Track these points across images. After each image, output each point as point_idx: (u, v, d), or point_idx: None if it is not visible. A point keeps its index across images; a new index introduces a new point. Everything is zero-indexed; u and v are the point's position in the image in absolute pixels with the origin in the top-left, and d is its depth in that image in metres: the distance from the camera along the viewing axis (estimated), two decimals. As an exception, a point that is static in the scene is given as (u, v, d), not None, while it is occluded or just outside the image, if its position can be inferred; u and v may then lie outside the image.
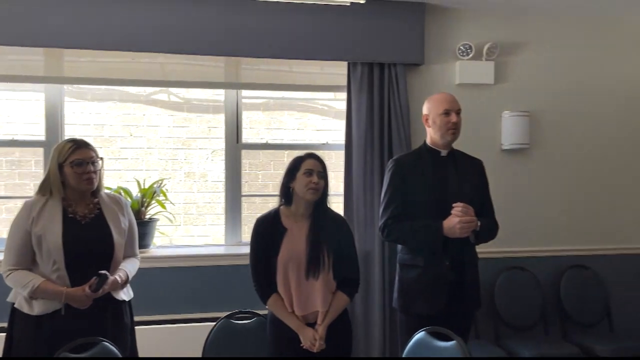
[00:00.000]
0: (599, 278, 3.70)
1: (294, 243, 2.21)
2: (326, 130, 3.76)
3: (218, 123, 3.61)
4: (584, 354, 3.29)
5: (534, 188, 3.73)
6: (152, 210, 3.41)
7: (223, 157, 3.58)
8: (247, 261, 2.32)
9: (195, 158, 3.62)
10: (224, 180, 3.59)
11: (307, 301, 2.21)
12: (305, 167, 2.22)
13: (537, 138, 3.71)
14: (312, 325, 2.23)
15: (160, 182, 3.43)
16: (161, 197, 3.41)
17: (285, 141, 3.68)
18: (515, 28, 3.69)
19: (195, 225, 3.64)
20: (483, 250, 2.82)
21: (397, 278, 2.58)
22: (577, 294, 3.64)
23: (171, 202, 3.50)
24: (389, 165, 2.59)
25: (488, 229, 2.51)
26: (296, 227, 2.24)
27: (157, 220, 3.43)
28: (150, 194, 3.35)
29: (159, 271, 3.29)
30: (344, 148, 3.45)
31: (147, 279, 3.14)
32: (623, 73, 3.84)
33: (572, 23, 3.76)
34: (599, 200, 3.81)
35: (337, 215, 2.35)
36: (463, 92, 3.53)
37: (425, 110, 2.56)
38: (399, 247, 2.60)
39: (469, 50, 3.54)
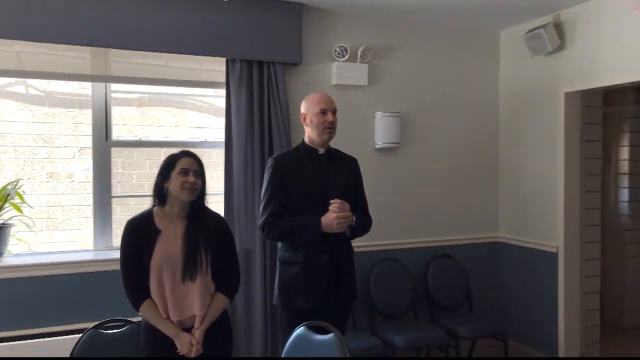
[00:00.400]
0: (460, 265, 4.06)
1: (169, 245, 2.12)
2: (206, 127, 3.66)
3: (85, 119, 3.34)
4: (449, 335, 3.59)
5: (404, 184, 3.99)
6: (6, 215, 3.06)
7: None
8: (118, 266, 2.19)
9: (60, 157, 3.32)
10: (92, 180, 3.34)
11: (183, 305, 2.13)
12: (181, 166, 2.13)
13: (406, 137, 3.96)
14: (189, 330, 2.16)
15: (15, 183, 3.09)
16: (17, 200, 3.08)
17: (161, 138, 3.52)
18: (386, 33, 3.90)
19: (60, 230, 3.34)
20: (359, 244, 2.95)
21: (277, 275, 2.60)
22: (443, 281, 3.96)
23: (29, 206, 3.17)
24: (269, 163, 2.60)
25: (363, 223, 2.62)
26: (171, 228, 2.15)
27: (12, 225, 3.09)
28: (3, 196, 3.00)
29: (16, 281, 2.98)
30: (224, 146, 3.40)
31: (0, 291, 2.84)
32: (478, 79, 4.24)
33: (435, 31, 4.07)
34: (459, 194, 4.18)
35: (215, 214, 2.30)
36: (339, 92, 3.66)
37: (302, 109, 2.61)
38: (279, 244, 2.63)
39: (344, 52, 3.68)
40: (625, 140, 4.94)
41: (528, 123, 4.04)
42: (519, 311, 4.13)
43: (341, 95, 3.65)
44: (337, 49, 3.67)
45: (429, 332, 3.55)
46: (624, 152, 4.95)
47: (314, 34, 3.67)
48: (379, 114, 3.84)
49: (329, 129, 2.54)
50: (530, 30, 3.74)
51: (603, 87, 3.54)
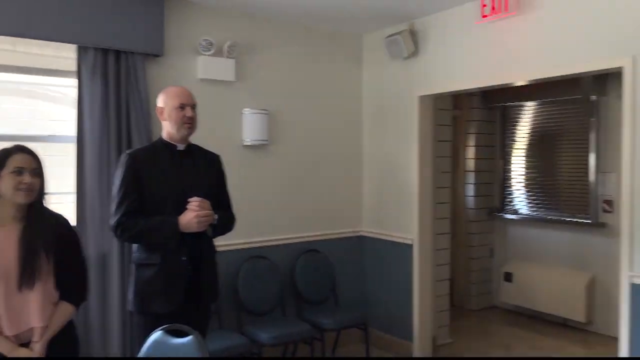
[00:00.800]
0: (326, 259, 4.19)
1: (0, 251, 1.89)
2: (61, 120, 3.33)
3: None
4: (314, 329, 3.68)
5: (273, 181, 4.01)
6: None
7: None
8: (-64, 277, 1.90)
9: None
10: None
11: (19, 318, 1.92)
12: (14, 165, 1.90)
13: (274, 135, 3.98)
14: (28, 345, 1.94)
15: None
16: None
17: (3, 132, 3.13)
18: (253, 30, 3.88)
19: None
20: (226, 242, 2.90)
21: (132, 279, 2.46)
22: (310, 275, 4.05)
23: None
24: (122, 159, 2.44)
25: (225, 222, 2.57)
26: (2, 233, 1.91)
27: None
28: None
29: None
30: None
31: None
32: (344, 79, 4.40)
33: (302, 30, 4.14)
34: (325, 191, 4.31)
35: (56, 214, 2.08)
36: (205, 87, 3.57)
37: (160, 102, 2.48)
38: (135, 246, 2.48)
39: (210, 46, 3.58)
40: (472, 141, 5.48)
41: (388, 123, 4.28)
42: (379, 300, 4.38)
43: (207, 90, 3.56)
44: (203, 43, 3.57)
45: (295, 326, 3.62)
46: (470, 152, 5.49)
47: (178, 26, 3.53)
48: (246, 111, 3.81)
49: (189, 124, 2.45)
50: (389, 36, 3.97)
51: (452, 91, 3.88)
